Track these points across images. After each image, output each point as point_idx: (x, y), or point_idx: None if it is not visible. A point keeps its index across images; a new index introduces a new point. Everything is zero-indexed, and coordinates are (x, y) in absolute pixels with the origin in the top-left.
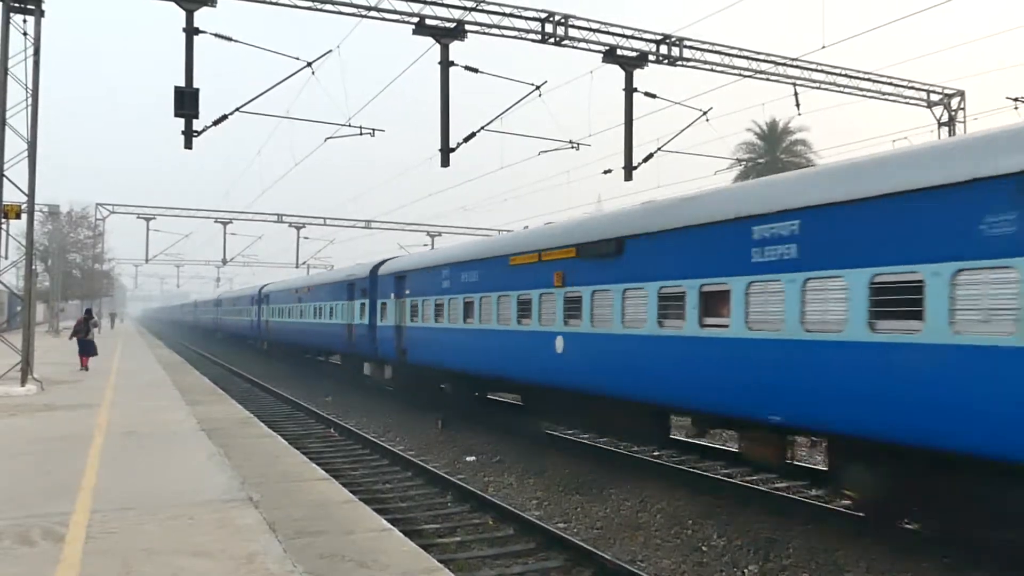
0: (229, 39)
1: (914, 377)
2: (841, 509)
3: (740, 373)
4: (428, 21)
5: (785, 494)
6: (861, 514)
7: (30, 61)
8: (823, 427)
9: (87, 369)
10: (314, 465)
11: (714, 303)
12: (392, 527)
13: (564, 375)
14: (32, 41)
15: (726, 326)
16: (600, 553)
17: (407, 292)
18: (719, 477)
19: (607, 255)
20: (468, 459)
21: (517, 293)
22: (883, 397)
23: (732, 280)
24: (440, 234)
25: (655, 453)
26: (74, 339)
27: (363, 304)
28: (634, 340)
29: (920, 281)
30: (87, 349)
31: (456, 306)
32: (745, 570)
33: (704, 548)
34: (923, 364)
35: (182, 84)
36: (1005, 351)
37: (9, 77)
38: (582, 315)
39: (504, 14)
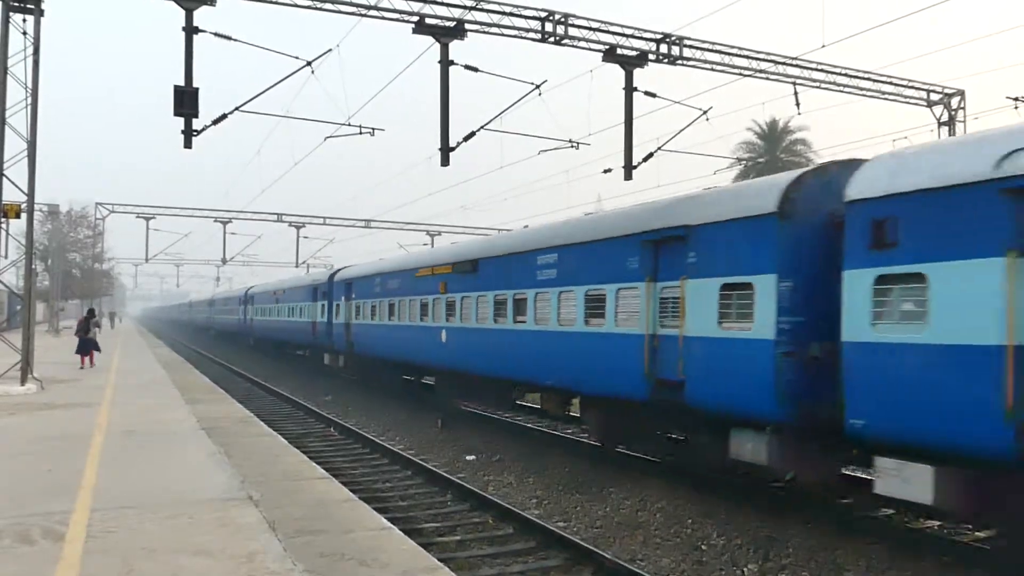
0: (229, 38)
1: (602, 353)
2: (840, 508)
3: (535, 353)
4: (428, 20)
5: (783, 493)
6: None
7: (30, 60)
8: (576, 388)
9: (92, 366)
10: (314, 464)
11: (521, 306)
12: (392, 526)
13: (448, 359)
14: (32, 40)
15: (524, 322)
16: (600, 552)
17: (353, 296)
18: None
19: (468, 271)
20: (468, 458)
21: (420, 297)
22: (594, 366)
23: (528, 291)
24: (440, 233)
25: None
26: (76, 337)
27: (323, 305)
28: (484, 332)
29: (604, 294)
30: (87, 347)
31: (384, 307)
32: (745, 569)
33: (704, 547)
34: (607, 346)
35: (182, 83)
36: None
37: (9, 77)
38: (456, 314)
39: (504, 13)
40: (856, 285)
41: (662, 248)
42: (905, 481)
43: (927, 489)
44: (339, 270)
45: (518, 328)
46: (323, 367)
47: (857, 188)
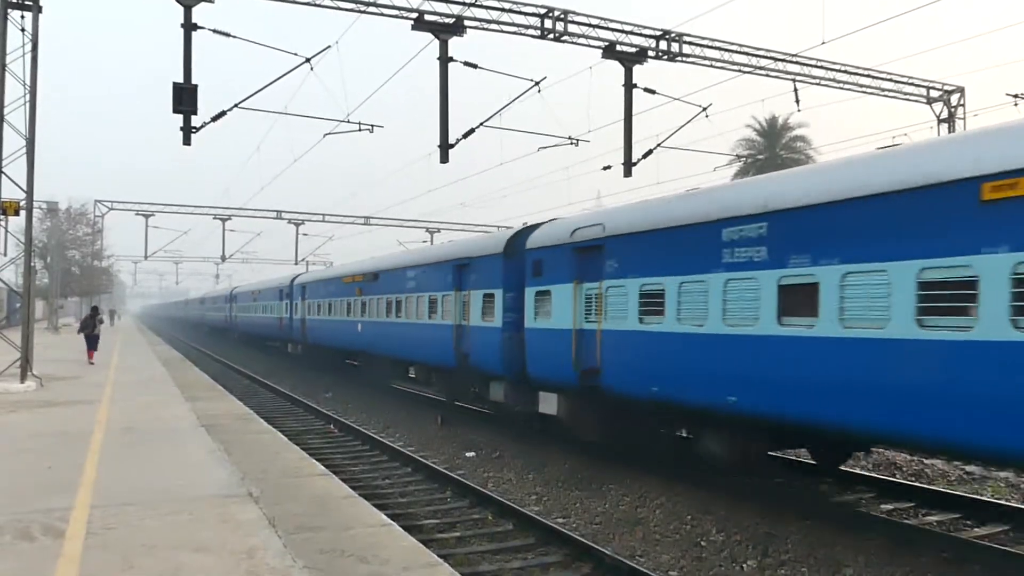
0: (227, 35)
1: (432, 338)
2: (839, 505)
3: (406, 338)
4: (427, 16)
5: (783, 489)
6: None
7: (28, 57)
8: (419, 360)
9: (92, 363)
10: (314, 461)
11: (399, 305)
12: (392, 522)
13: (364, 345)
14: (30, 37)
15: (401, 317)
16: (599, 548)
17: (306, 297)
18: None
19: (373, 279)
20: (468, 455)
21: (346, 299)
22: (428, 347)
23: (403, 296)
24: (439, 230)
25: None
26: (82, 334)
27: (287, 304)
28: (384, 324)
29: (437, 299)
30: (93, 343)
31: (325, 305)
32: (744, 565)
33: (703, 543)
34: (434, 332)
35: (180, 80)
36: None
37: (7, 74)
38: (367, 311)
39: (503, 9)
40: (529, 296)
41: (461, 271)
42: (547, 403)
43: (554, 406)
44: (297, 276)
45: (399, 321)
46: (293, 355)
47: (529, 242)
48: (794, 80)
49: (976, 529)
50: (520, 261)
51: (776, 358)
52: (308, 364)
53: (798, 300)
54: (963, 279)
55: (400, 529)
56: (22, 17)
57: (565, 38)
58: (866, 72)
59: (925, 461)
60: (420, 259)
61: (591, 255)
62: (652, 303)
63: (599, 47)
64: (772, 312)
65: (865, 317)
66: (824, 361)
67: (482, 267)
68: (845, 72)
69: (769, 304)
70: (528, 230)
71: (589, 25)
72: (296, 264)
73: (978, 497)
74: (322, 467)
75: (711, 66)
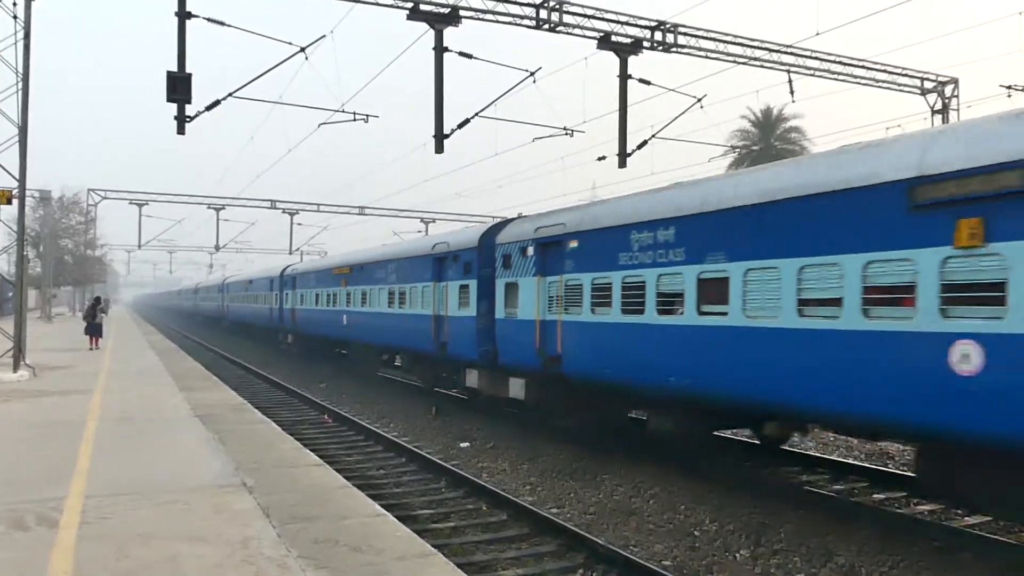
0: (222, 23)
1: (411, 328)
2: (831, 494)
3: (390, 329)
4: (422, 6)
5: (776, 479)
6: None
7: (20, 45)
8: (394, 345)
9: (97, 348)
10: (308, 451)
11: (383, 296)
12: (386, 512)
13: (351, 334)
14: (22, 24)
15: (384, 307)
16: (593, 538)
17: (297, 286)
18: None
19: (359, 270)
20: (462, 445)
21: (334, 289)
22: (405, 335)
23: (387, 287)
24: (434, 220)
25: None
26: (85, 322)
27: (277, 294)
28: (369, 314)
29: (411, 288)
30: (95, 331)
31: (312, 295)
32: (737, 554)
33: (696, 533)
34: (413, 322)
35: (174, 69)
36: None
37: None
38: (351, 302)
39: (499, 0)
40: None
41: (440, 263)
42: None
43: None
44: (288, 266)
45: (383, 311)
46: (282, 343)
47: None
48: (789, 71)
49: (967, 518)
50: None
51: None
52: (299, 352)
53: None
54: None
55: (394, 519)
56: (14, 4)
57: (560, 29)
58: (860, 63)
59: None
60: (402, 252)
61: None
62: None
63: (594, 38)
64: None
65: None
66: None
67: (458, 260)
68: (840, 63)
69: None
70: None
71: (584, 16)
72: (291, 254)
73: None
74: (316, 457)
75: (706, 57)
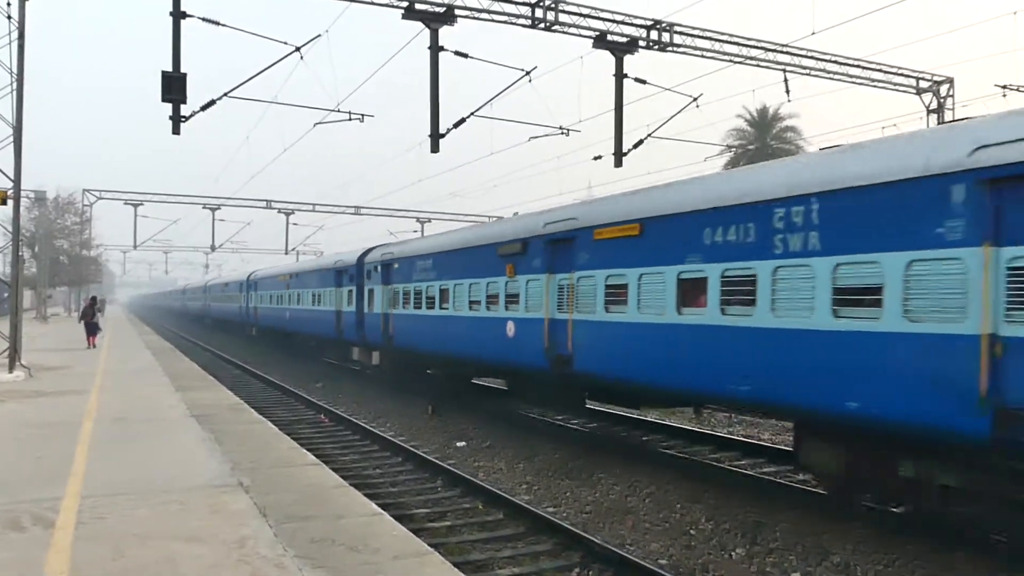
0: (217, 23)
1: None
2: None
3: (311, 322)
4: (417, 5)
5: (772, 478)
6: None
7: (15, 45)
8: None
9: (94, 347)
10: (305, 451)
11: (310, 296)
12: (383, 511)
13: (290, 327)
14: (16, 25)
15: (301, 304)
16: (589, 537)
17: (258, 289)
18: (707, 462)
19: (296, 277)
20: (459, 444)
21: (281, 291)
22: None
23: (310, 290)
24: (429, 220)
25: (644, 439)
26: (82, 322)
27: (244, 294)
28: (298, 310)
29: (352, 290)
30: (92, 330)
31: (268, 296)
32: (733, 553)
33: (692, 531)
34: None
35: (170, 69)
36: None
37: None
38: (291, 301)
39: None
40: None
41: (340, 274)
42: (376, 358)
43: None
44: (253, 272)
45: (310, 308)
46: (251, 335)
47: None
48: (784, 70)
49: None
50: (363, 270)
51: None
52: (261, 342)
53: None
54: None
55: (391, 518)
56: (8, 4)
57: (556, 28)
58: (856, 62)
59: None
60: (319, 265)
61: (387, 269)
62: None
63: (590, 37)
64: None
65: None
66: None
67: (347, 273)
68: (835, 62)
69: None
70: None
71: (580, 15)
72: (286, 254)
73: None
74: (313, 457)
75: (702, 56)
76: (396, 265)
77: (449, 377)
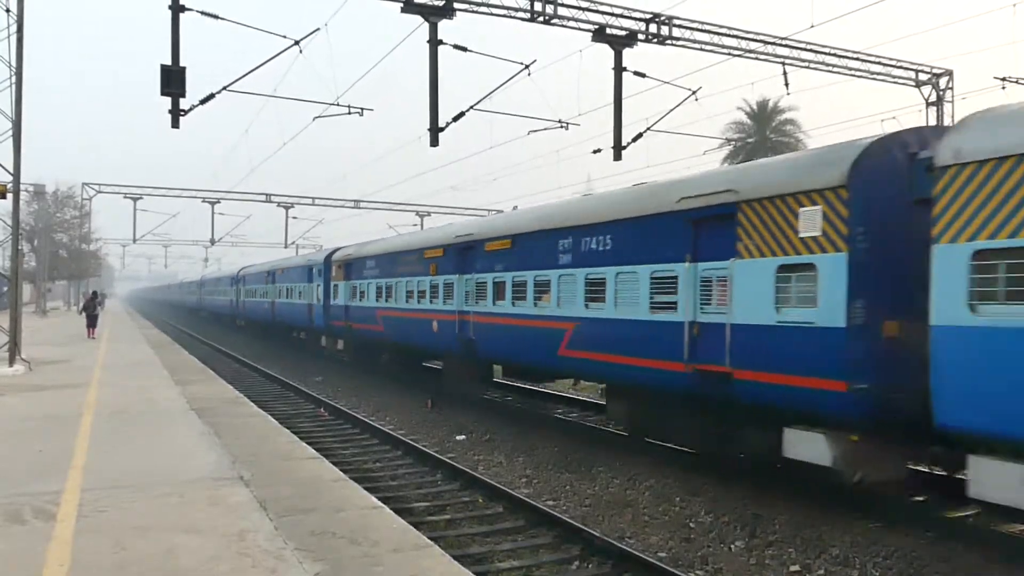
0: (215, 17)
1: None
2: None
3: (279, 312)
4: None
5: (771, 471)
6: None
7: (14, 39)
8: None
9: (94, 338)
10: (304, 444)
11: (281, 291)
12: (383, 505)
13: (274, 317)
14: (15, 19)
15: (282, 298)
16: (589, 530)
17: (246, 283)
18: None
19: (269, 274)
20: (458, 438)
21: (265, 287)
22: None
23: (285, 285)
24: (429, 214)
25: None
26: (83, 314)
27: (235, 288)
28: (281, 303)
29: (296, 288)
30: (92, 322)
31: (256, 291)
32: (732, 546)
33: (692, 524)
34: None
35: (168, 63)
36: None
37: None
38: (276, 295)
39: None
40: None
41: (310, 270)
42: (341, 344)
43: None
44: (242, 268)
45: (285, 300)
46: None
47: (333, 258)
48: (783, 63)
49: (961, 509)
50: (329, 267)
51: (493, 325)
52: (249, 332)
53: (499, 291)
54: (254, 290)
55: (390, 511)
56: None
57: (555, 21)
58: (855, 55)
59: None
60: (295, 263)
61: (347, 266)
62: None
63: (589, 30)
64: (491, 298)
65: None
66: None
67: (315, 269)
68: (834, 55)
69: (490, 293)
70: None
71: (579, 8)
72: (286, 247)
73: (963, 477)
74: (312, 450)
75: (701, 49)
76: (353, 264)
77: (401, 361)
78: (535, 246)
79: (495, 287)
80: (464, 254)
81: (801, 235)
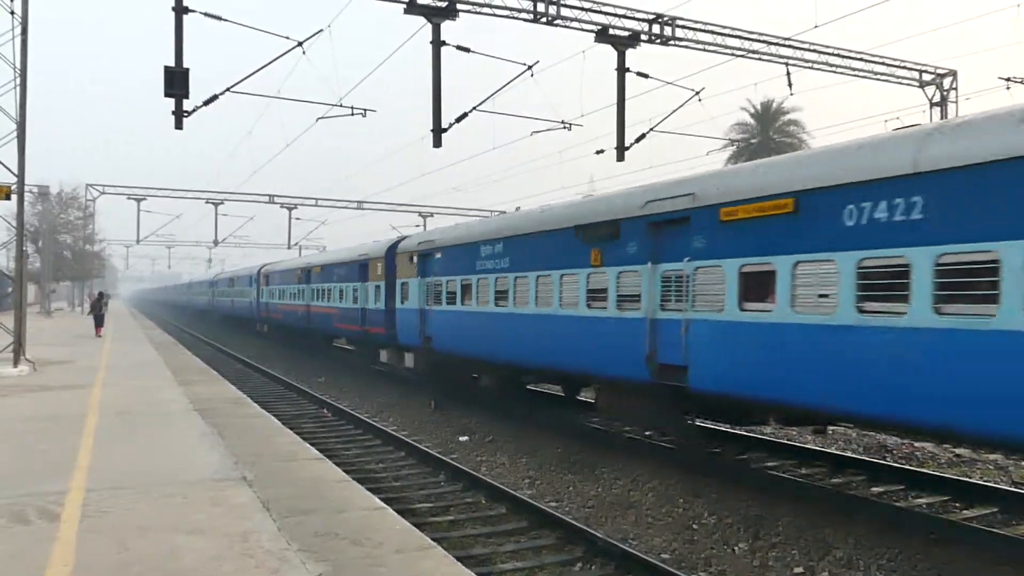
0: (219, 18)
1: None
2: (829, 488)
3: (314, 317)
4: (419, 0)
5: (775, 473)
6: None
7: (18, 40)
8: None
9: (100, 336)
10: (307, 445)
11: (322, 291)
12: (385, 506)
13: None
14: (20, 20)
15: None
16: (592, 531)
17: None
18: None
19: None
20: (461, 439)
21: (300, 286)
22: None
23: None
24: (432, 215)
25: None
26: (91, 315)
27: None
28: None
29: (379, 286)
30: (99, 321)
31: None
32: (735, 547)
33: (695, 526)
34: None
35: (172, 64)
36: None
37: None
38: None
39: None
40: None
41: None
42: (409, 360)
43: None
44: (219, 273)
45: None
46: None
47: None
48: (787, 64)
49: (964, 511)
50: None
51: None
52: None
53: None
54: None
55: (393, 513)
56: (11, 0)
57: (558, 22)
58: (859, 55)
59: (915, 444)
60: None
61: (430, 257)
62: (454, 293)
63: (592, 31)
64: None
65: (483, 300)
66: (457, 324)
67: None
68: (838, 56)
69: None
70: (401, 239)
71: (582, 9)
72: (289, 248)
73: (967, 480)
74: (315, 451)
75: (704, 50)
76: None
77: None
78: None
79: (449, 290)
80: (424, 259)
81: None
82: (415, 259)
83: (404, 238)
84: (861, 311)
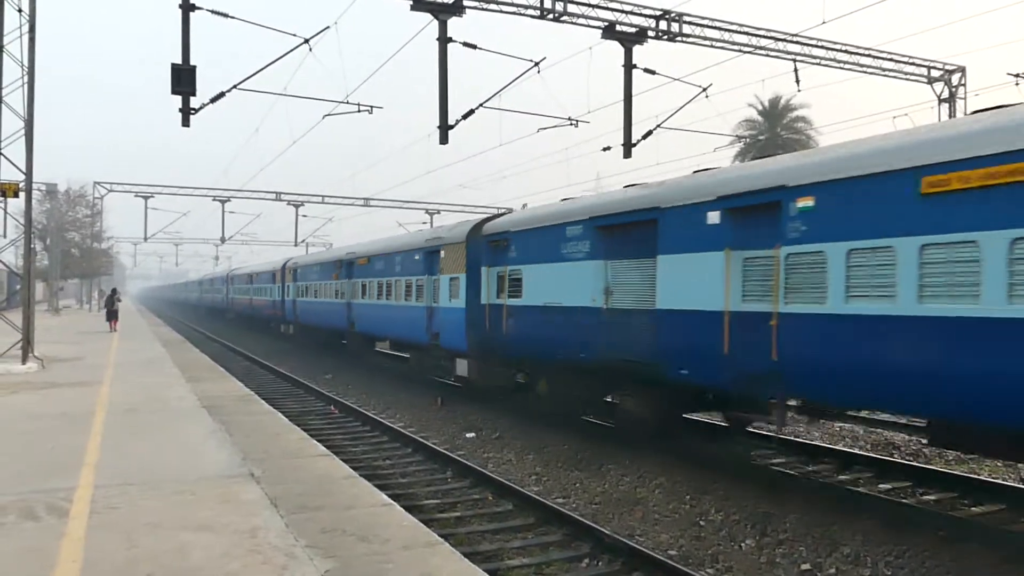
0: (226, 15)
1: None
2: (837, 484)
3: (361, 318)
4: None
5: (782, 469)
6: None
7: (26, 38)
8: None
9: (115, 331)
10: (315, 441)
11: (371, 287)
12: (393, 502)
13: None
14: (27, 18)
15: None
16: (599, 528)
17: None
18: (716, 452)
19: (343, 268)
20: (468, 435)
21: (340, 282)
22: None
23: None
24: (439, 212)
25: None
26: (104, 309)
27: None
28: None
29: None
30: (112, 316)
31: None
32: (743, 544)
33: (702, 523)
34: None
35: (179, 61)
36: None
37: (5, 55)
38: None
39: None
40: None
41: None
42: (461, 367)
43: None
44: (232, 269)
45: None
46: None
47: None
48: (795, 60)
49: (973, 508)
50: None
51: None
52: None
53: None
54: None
55: (401, 509)
56: None
57: (565, 18)
58: (867, 52)
59: (923, 441)
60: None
61: (500, 247)
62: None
63: (599, 27)
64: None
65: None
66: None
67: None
68: (846, 52)
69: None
70: (486, 220)
71: (589, 5)
72: (296, 246)
73: (975, 476)
74: (323, 448)
75: (711, 46)
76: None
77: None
78: None
79: (378, 288)
80: (349, 267)
81: None
82: (504, 246)
83: (488, 220)
84: None
